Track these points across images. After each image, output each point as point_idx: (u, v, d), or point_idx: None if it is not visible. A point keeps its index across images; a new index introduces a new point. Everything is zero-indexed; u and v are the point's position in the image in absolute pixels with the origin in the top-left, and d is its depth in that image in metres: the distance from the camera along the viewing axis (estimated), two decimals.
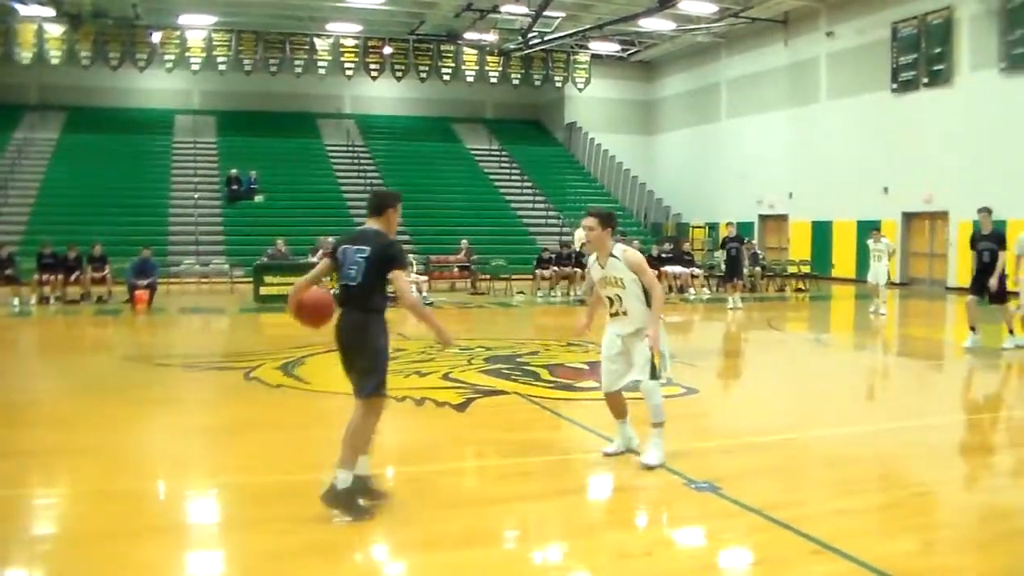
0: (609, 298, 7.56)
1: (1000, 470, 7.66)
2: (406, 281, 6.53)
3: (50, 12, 33.62)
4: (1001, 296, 14.60)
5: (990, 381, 13.28)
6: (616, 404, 7.83)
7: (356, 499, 6.12)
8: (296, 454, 8.05)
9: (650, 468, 7.26)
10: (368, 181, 37.40)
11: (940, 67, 29.17)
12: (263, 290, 22.27)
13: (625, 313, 7.49)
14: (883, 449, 8.47)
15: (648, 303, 7.40)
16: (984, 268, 14.74)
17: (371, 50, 39.35)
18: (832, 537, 5.71)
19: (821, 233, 33.54)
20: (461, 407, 9.83)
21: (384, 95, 44.18)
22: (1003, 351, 14.68)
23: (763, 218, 37.93)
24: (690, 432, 8.99)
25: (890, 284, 22.01)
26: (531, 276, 27.22)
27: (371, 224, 6.44)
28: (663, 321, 7.50)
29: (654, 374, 7.36)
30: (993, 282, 14.43)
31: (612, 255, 7.43)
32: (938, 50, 29.15)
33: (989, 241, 14.83)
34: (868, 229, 25.29)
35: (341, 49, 38.93)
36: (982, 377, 13.56)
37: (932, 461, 8.16)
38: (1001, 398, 11.89)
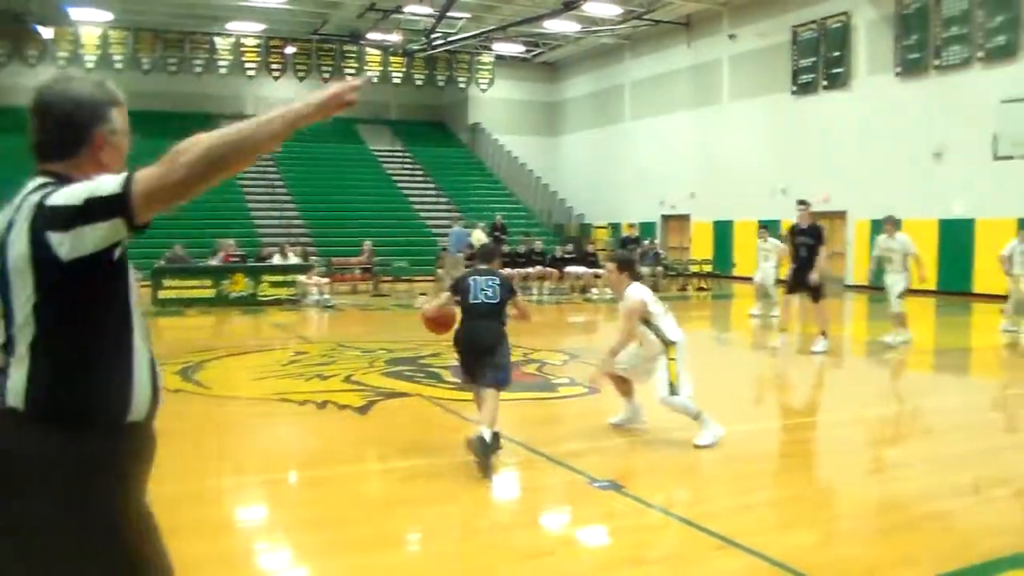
0: None
1: (895, 462, 7.84)
2: (525, 302, 8.81)
3: None
4: (818, 291, 14.86)
5: (882, 376, 13.60)
6: (622, 386, 9.02)
7: (491, 453, 7.22)
8: (196, 461, 7.91)
9: (700, 447, 8.11)
10: (270, 182, 37.03)
11: (838, 70, 29.84)
12: (162, 294, 21.89)
13: (640, 344, 8.64)
14: (783, 445, 8.62)
15: (658, 335, 8.45)
16: (802, 264, 15.00)
17: (273, 50, 38.95)
18: (734, 532, 5.79)
19: (722, 233, 34.03)
20: (363, 410, 9.78)
21: (286, 96, 43.52)
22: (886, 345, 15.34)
23: (665, 218, 38.33)
24: (593, 431, 9.05)
25: (778, 283, 22.33)
26: (433, 277, 27.25)
27: (481, 265, 8.61)
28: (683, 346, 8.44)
29: (673, 391, 8.31)
30: (814, 277, 14.69)
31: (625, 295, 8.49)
32: (836, 54, 29.83)
33: (806, 236, 15.16)
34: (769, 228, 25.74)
35: (242, 49, 38.41)
36: (877, 373, 13.89)
37: (831, 455, 8.34)
38: (893, 393, 12.17)
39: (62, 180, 2.67)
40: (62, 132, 2.81)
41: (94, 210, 2.49)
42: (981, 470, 7.51)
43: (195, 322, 19.84)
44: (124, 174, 2.53)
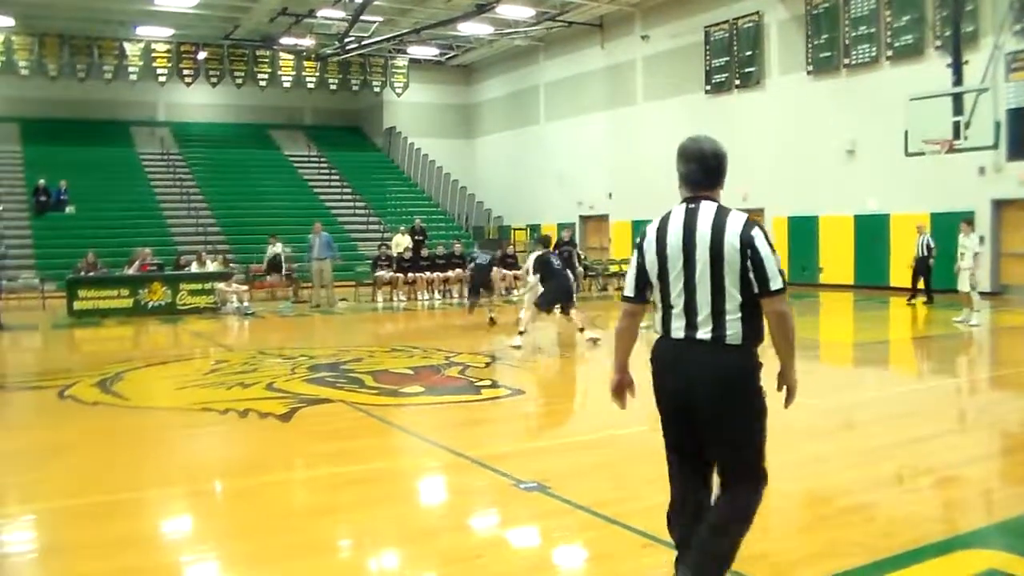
0: None
1: (817, 456, 7.91)
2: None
3: None
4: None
5: (801, 372, 13.75)
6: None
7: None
8: (116, 473, 7.77)
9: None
10: (184, 190, 36.52)
11: (751, 70, 30.22)
12: (77, 304, 21.51)
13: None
14: None
15: None
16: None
17: (184, 55, 38.40)
18: (661, 530, 5.74)
19: (640, 233, 34.17)
20: (286, 417, 9.66)
21: (199, 102, 43.27)
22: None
23: (584, 219, 38.48)
24: (517, 433, 9.07)
25: None
26: (354, 283, 27.08)
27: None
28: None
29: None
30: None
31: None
32: (749, 53, 30.21)
33: (569, 245, 16.36)
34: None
35: (153, 54, 37.76)
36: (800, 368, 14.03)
37: None
38: (813, 388, 12.32)
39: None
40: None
41: None
42: (902, 461, 7.62)
43: (112, 332, 19.50)
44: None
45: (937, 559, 5.37)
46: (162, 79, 38.58)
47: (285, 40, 37.79)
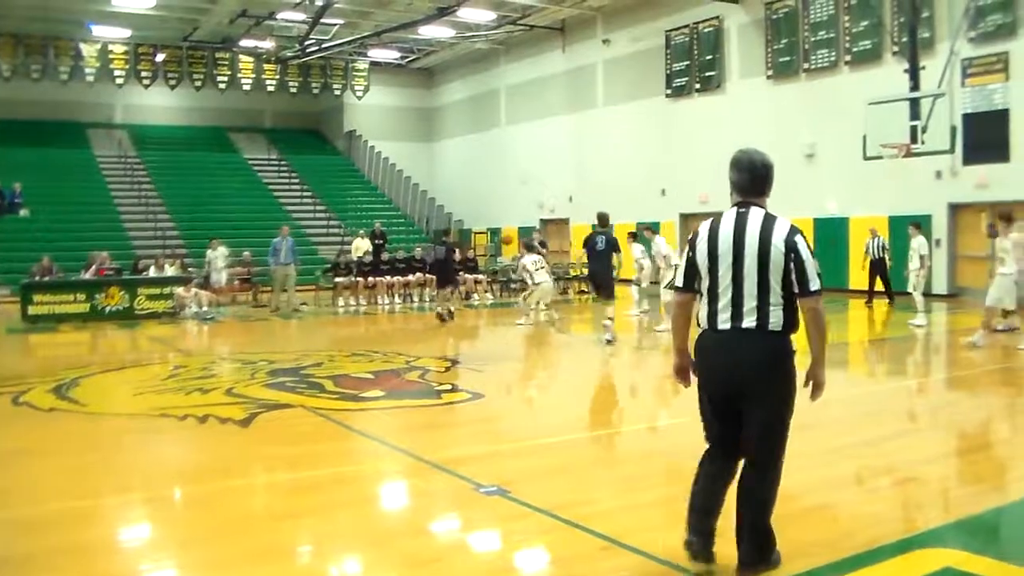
0: None
1: None
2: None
3: None
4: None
5: None
6: None
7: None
8: (73, 480, 7.67)
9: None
10: (142, 193, 36.23)
11: (711, 74, 30.37)
12: (32, 309, 21.24)
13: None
14: (667, 444, 8.71)
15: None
16: None
17: (142, 57, 38.08)
18: (621, 533, 5.82)
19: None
20: (245, 422, 9.60)
21: (158, 104, 42.93)
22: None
23: (545, 222, 38.50)
24: (477, 436, 9.06)
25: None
26: (314, 287, 26.97)
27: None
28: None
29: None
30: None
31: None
32: (709, 58, 30.36)
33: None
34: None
35: (110, 56, 37.39)
36: None
37: None
38: None
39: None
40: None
41: None
42: (863, 461, 7.67)
43: (69, 338, 19.28)
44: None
45: (896, 558, 5.44)
46: (119, 81, 38.19)
47: (245, 42, 37.56)
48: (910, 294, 18.49)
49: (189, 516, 6.73)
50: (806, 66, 27.31)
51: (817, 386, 5.20)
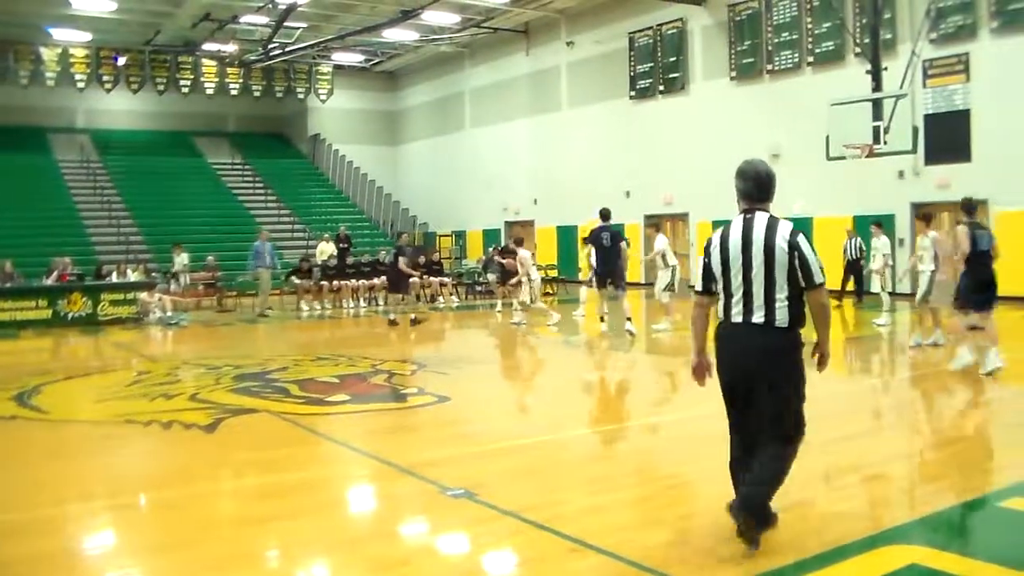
0: None
1: None
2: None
3: None
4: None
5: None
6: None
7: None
8: (36, 489, 7.58)
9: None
10: (106, 198, 35.95)
11: (675, 76, 30.50)
12: None
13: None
14: (635, 445, 8.72)
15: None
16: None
17: (104, 61, 37.78)
18: (588, 534, 5.82)
19: (567, 238, 34.32)
20: (211, 428, 9.53)
21: (120, 108, 42.62)
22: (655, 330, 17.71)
23: (509, 224, 38.53)
24: (444, 440, 9.03)
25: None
26: (279, 291, 26.82)
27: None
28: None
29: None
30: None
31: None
32: (673, 59, 30.49)
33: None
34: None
35: (71, 60, 37.03)
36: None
37: (682, 453, 8.44)
38: None
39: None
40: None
41: None
42: (829, 459, 7.69)
43: (30, 344, 19.10)
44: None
45: (863, 555, 5.47)
46: (81, 85, 37.85)
47: (208, 46, 37.34)
48: (877, 294, 18.69)
49: (154, 523, 6.68)
50: (769, 67, 27.47)
51: (822, 359, 5.71)
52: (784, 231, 5.50)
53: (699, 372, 5.99)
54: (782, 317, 5.45)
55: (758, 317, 5.49)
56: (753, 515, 5.44)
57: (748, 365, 5.56)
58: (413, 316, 20.63)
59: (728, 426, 5.81)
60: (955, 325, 12.98)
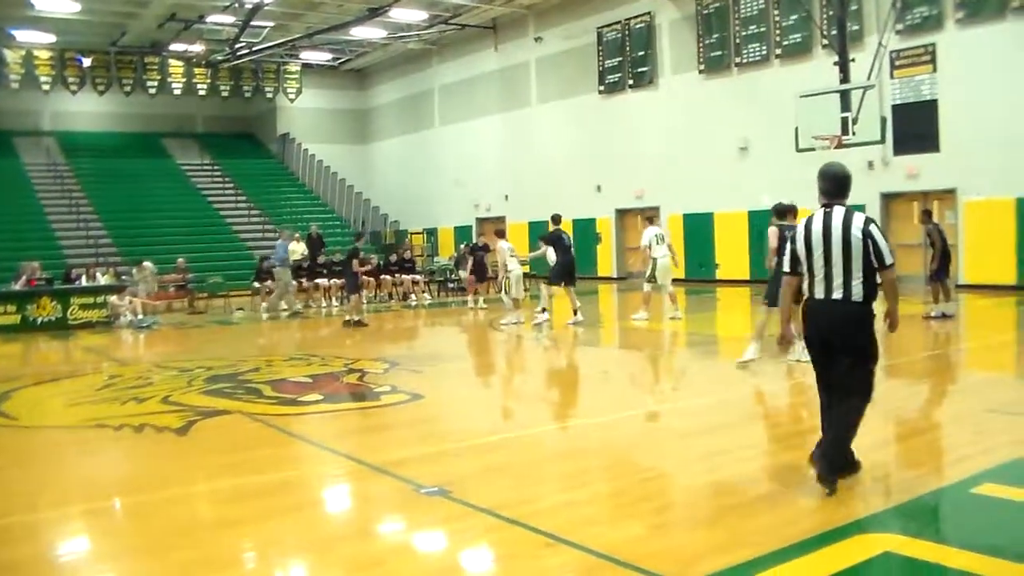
0: None
1: (717, 450, 7.97)
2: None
3: None
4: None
5: (704, 366, 13.93)
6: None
7: None
8: (6, 495, 7.50)
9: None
10: (74, 201, 35.68)
11: (644, 70, 30.58)
12: None
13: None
14: (609, 440, 8.71)
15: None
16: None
17: (68, 62, 37.50)
18: (563, 529, 5.81)
19: (538, 233, 34.26)
20: (183, 431, 9.47)
21: (87, 110, 42.34)
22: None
23: (481, 221, 38.51)
24: (417, 438, 9.01)
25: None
26: (251, 292, 26.67)
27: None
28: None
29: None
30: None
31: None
32: (641, 53, 30.59)
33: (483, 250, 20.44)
34: (584, 227, 26.21)
35: (35, 62, 36.75)
36: (699, 364, 14.22)
37: (656, 447, 8.46)
38: (710, 383, 12.43)
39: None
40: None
41: None
42: (804, 450, 7.69)
43: None
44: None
45: (838, 543, 5.49)
46: (45, 87, 37.61)
47: (175, 46, 37.18)
48: None
49: (128, 528, 6.63)
50: (737, 60, 27.58)
51: (893, 324, 6.84)
52: (859, 222, 6.51)
53: (784, 341, 7.63)
54: (857, 293, 6.48)
55: (837, 294, 6.53)
56: (830, 462, 6.45)
57: (830, 333, 6.61)
58: (347, 318, 20.43)
59: (815, 383, 6.91)
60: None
